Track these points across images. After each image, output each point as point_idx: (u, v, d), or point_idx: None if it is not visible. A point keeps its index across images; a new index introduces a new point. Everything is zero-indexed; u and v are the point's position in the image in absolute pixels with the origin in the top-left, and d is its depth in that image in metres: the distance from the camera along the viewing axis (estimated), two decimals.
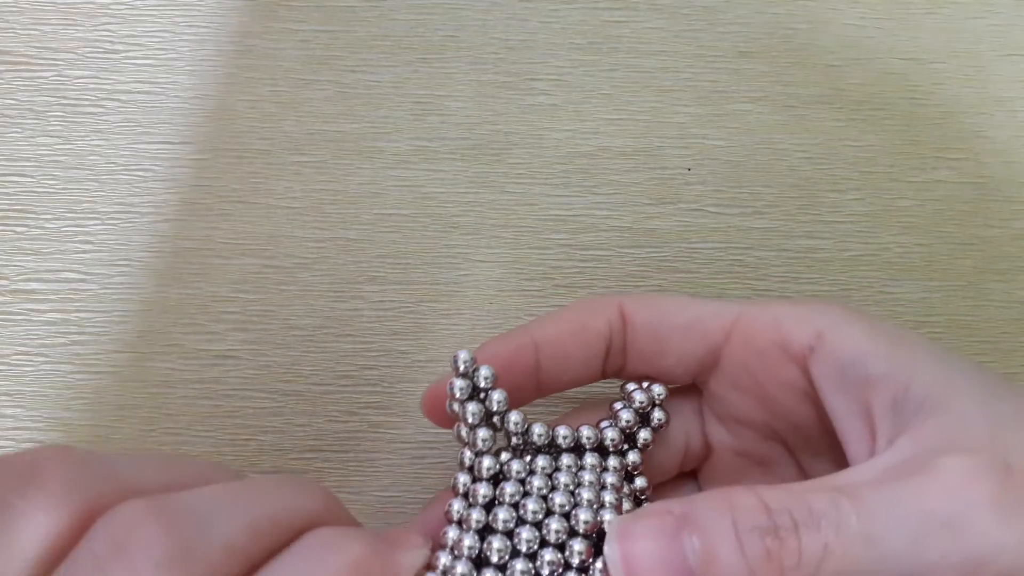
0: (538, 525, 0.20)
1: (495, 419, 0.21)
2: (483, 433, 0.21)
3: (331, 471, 0.27)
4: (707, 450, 0.24)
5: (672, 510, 0.18)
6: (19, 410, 0.27)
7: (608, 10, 0.29)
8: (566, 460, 0.21)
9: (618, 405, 0.22)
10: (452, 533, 0.20)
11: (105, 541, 0.14)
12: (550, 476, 0.21)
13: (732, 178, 0.28)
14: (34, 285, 0.27)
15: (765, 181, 0.28)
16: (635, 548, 0.18)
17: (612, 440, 0.22)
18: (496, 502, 0.20)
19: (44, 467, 0.15)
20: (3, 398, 0.27)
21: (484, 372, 0.21)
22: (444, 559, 0.19)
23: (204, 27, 0.29)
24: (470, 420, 0.21)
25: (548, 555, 0.19)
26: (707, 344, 0.22)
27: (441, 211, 0.28)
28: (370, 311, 0.27)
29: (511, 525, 0.20)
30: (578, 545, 0.19)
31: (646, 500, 0.22)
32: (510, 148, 0.28)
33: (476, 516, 0.20)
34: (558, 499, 0.20)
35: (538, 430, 0.21)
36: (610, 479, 0.21)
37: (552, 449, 0.22)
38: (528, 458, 0.21)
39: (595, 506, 0.20)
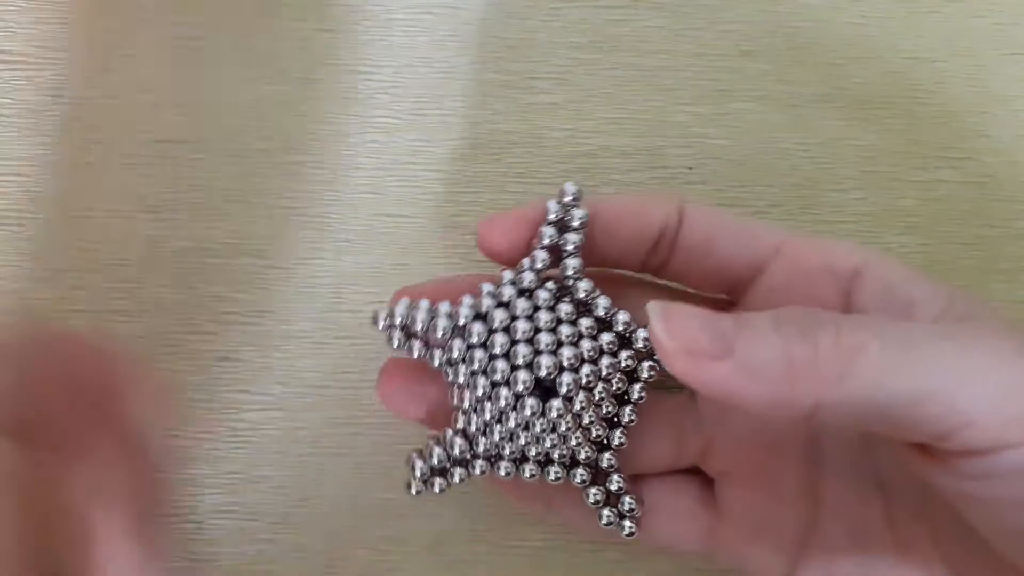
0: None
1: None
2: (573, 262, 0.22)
3: (329, 473, 0.27)
4: None
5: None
6: None
7: (609, 8, 0.29)
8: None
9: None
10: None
11: None
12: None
13: (734, 177, 0.28)
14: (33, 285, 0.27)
15: (767, 181, 0.28)
16: (682, 307, 0.19)
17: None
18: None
19: None
20: None
21: (579, 213, 0.22)
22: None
23: (202, 26, 0.29)
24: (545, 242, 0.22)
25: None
26: (754, 254, 0.23)
27: (441, 211, 0.28)
28: (370, 311, 0.27)
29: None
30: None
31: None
32: (510, 148, 0.28)
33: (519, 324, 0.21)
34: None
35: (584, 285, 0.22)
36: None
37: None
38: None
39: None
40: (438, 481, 0.22)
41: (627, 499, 0.23)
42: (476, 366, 0.21)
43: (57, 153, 0.28)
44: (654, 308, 0.19)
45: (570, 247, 0.22)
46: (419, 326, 0.21)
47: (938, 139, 0.29)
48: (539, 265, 0.22)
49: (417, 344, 0.22)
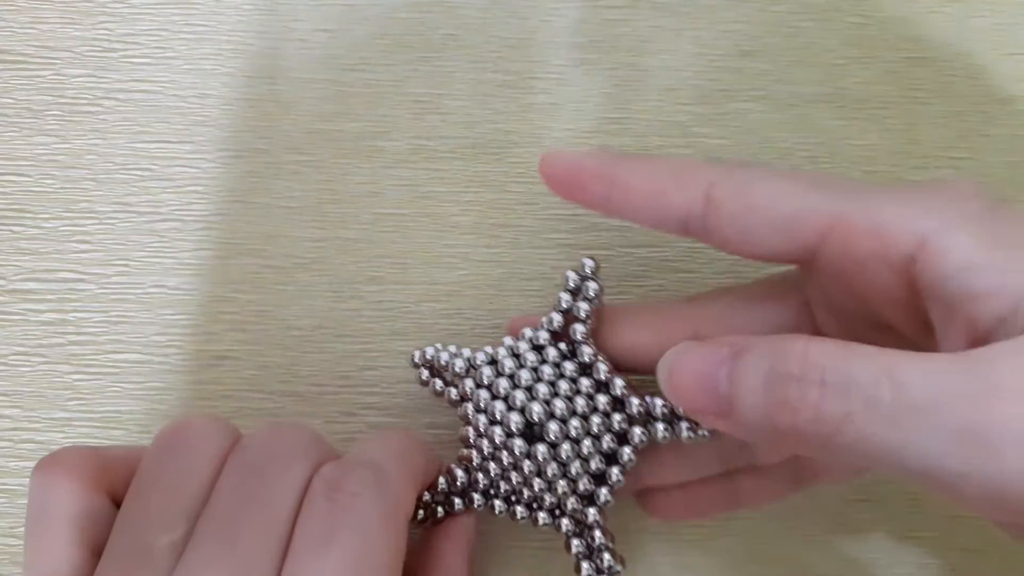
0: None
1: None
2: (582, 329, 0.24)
3: None
4: (814, 331, 0.23)
5: (732, 342, 0.18)
6: (16, 410, 0.27)
7: (609, 8, 0.29)
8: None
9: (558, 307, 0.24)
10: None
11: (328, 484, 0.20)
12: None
13: None
14: (31, 285, 0.27)
15: None
16: (683, 362, 0.19)
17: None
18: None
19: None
20: (1, 398, 0.27)
21: (592, 287, 0.24)
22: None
23: (202, 25, 0.29)
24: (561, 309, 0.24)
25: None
26: (800, 245, 0.20)
27: (441, 211, 0.28)
28: (369, 311, 0.27)
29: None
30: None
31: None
32: (510, 147, 0.28)
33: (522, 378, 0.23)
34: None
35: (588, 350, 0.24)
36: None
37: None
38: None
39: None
40: (456, 500, 0.24)
41: (607, 556, 0.23)
42: (480, 404, 0.23)
43: (57, 153, 0.28)
44: (662, 366, 0.19)
45: (581, 314, 0.24)
46: (443, 362, 0.24)
47: (938, 139, 0.29)
48: (553, 327, 0.24)
49: (439, 381, 0.25)
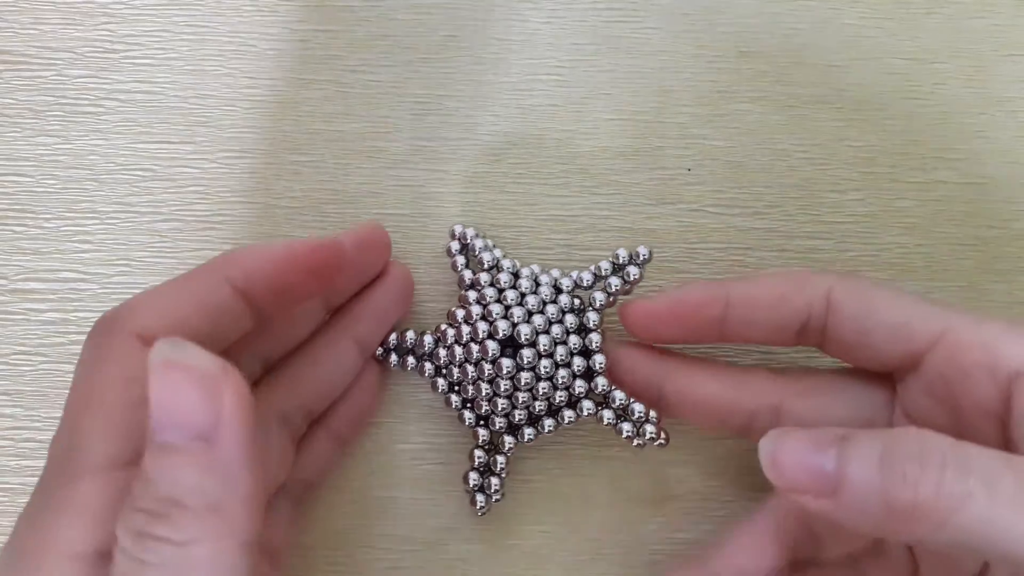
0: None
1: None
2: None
3: (329, 472, 0.27)
4: None
5: (836, 429, 0.19)
6: (18, 409, 0.27)
7: (608, 10, 0.29)
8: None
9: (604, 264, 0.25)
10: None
11: None
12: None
13: (732, 179, 0.28)
14: (33, 284, 0.27)
15: (765, 182, 0.28)
16: (787, 441, 0.19)
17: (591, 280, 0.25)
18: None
19: None
20: (2, 397, 0.27)
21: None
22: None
23: (203, 27, 0.29)
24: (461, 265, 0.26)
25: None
26: (910, 349, 0.22)
27: (441, 211, 0.28)
28: None
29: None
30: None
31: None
32: (510, 148, 0.28)
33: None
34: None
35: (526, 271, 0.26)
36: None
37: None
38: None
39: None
40: (494, 481, 0.25)
41: (636, 407, 0.24)
42: (485, 299, 0.25)
43: (59, 154, 0.28)
44: (764, 445, 0.19)
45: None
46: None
47: (936, 140, 0.29)
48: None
49: (411, 359, 0.26)
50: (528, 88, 0.29)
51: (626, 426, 0.25)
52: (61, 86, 0.28)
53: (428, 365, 0.26)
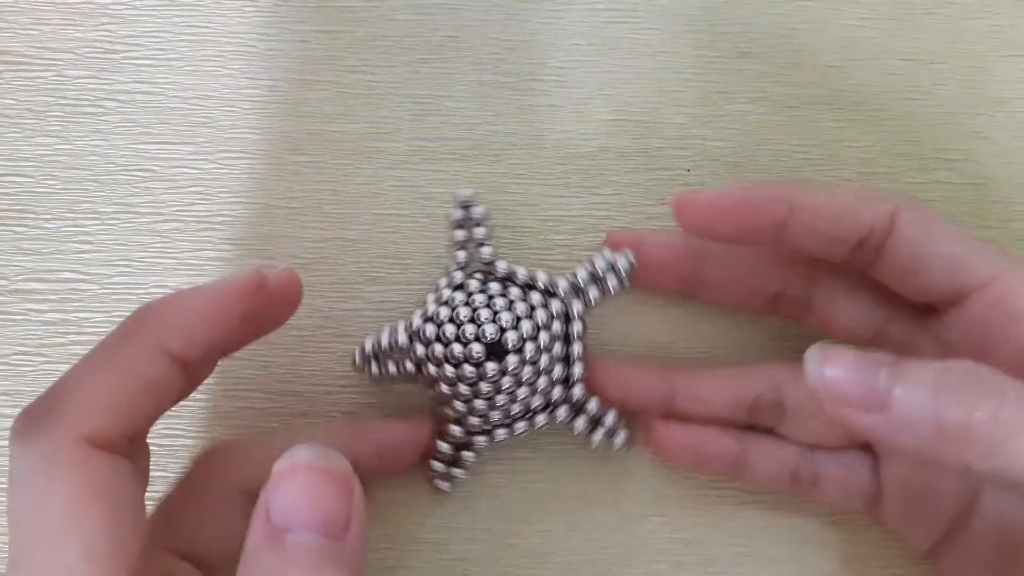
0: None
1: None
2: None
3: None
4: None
5: (885, 356, 0.19)
6: (18, 410, 0.27)
7: (608, 10, 0.29)
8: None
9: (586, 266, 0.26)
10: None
11: None
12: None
13: (732, 179, 0.28)
14: (33, 285, 0.27)
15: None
16: (836, 357, 0.19)
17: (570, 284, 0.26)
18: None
19: None
20: (2, 398, 0.27)
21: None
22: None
23: (203, 27, 0.29)
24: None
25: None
26: (961, 284, 0.22)
27: (441, 211, 0.28)
28: (370, 311, 0.27)
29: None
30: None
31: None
32: (510, 148, 0.28)
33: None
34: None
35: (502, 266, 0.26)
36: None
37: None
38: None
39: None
40: (456, 471, 0.26)
41: (609, 417, 0.26)
42: (445, 339, 0.24)
43: (59, 154, 0.28)
44: (813, 354, 0.19)
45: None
46: (384, 344, 0.25)
47: (936, 140, 0.29)
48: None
49: (373, 364, 0.25)
50: (528, 88, 0.29)
51: (597, 435, 0.26)
52: (61, 87, 0.28)
53: (408, 364, 0.25)
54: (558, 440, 0.27)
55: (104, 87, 0.28)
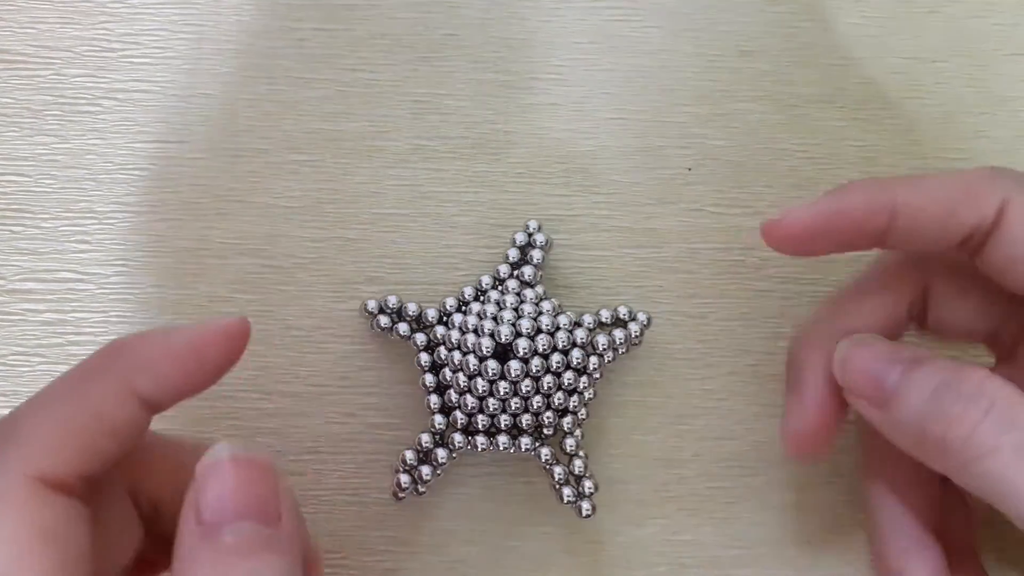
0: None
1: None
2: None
3: (329, 473, 0.27)
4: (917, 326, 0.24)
5: (915, 351, 0.20)
6: None
7: (608, 9, 0.29)
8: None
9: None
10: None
11: None
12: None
13: (733, 178, 0.28)
14: (31, 285, 0.27)
15: (766, 181, 0.28)
16: (863, 351, 0.20)
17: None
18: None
19: None
20: None
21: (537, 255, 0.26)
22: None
23: (202, 25, 0.29)
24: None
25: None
26: None
27: (441, 211, 0.28)
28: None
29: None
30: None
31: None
32: (510, 148, 0.28)
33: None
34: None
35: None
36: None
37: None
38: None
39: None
40: (424, 469, 0.25)
41: (587, 483, 0.25)
42: (454, 334, 0.25)
43: (57, 153, 0.28)
44: (841, 347, 0.21)
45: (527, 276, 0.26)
46: (392, 305, 0.26)
47: (938, 139, 0.29)
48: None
49: (383, 318, 0.26)
50: (528, 87, 0.29)
51: (567, 491, 0.25)
52: (59, 85, 0.28)
53: (420, 336, 0.26)
54: None
55: (102, 85, 0.28)
